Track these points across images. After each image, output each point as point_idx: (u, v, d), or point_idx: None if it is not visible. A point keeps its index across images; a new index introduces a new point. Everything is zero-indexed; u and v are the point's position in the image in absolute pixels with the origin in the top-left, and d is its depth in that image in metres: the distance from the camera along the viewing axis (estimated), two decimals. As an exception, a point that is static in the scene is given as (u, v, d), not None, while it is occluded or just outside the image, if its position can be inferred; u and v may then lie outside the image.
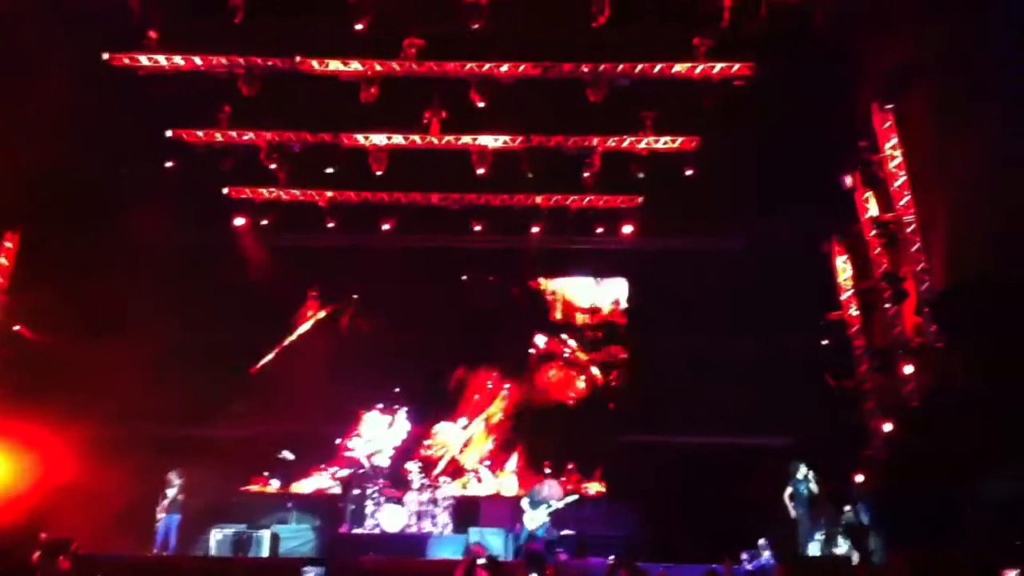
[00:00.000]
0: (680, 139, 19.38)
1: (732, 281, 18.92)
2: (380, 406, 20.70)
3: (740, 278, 18.82)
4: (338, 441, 20.39)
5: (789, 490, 13.25)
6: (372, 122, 19.58)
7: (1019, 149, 14.07)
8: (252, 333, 20.68)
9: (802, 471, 13.29)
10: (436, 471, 20.45)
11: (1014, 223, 13.95)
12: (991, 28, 14.62)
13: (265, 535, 16.72)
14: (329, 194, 20.72)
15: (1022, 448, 12.53)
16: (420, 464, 19.52)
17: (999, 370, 13.43)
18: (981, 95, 14.57)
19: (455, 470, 20.82)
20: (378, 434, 20.48)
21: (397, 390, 20.85)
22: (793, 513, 13.14)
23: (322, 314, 22.12)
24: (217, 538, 16.77)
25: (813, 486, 13.12)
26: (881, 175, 16.79)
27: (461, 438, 21.22)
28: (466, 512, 18.68)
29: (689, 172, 19.02)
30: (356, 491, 18.94)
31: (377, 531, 18.23)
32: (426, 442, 21.05)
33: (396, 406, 20.73)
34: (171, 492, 17.11)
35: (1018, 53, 14.21)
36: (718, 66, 18.21)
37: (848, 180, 17.55)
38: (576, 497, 17.73)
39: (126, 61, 18.07)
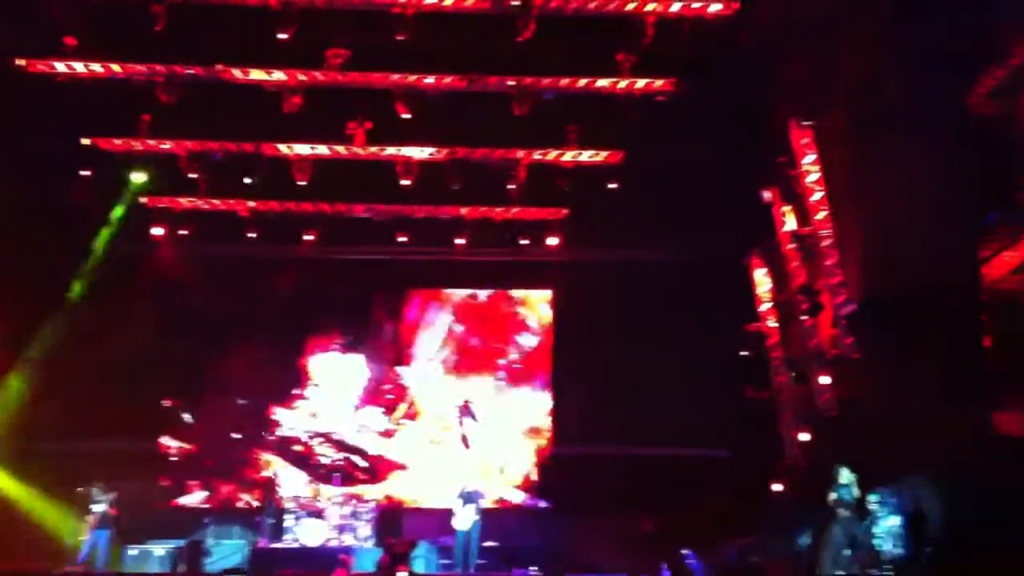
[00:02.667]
0: (605, 153, 19.56)
1: (655, 293, 19.16)
2: (336, 348, 20.75)
3: (663, 290, 19.07)
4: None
5: (833, 496, 13.37)
6: (295, 132, 19.42)
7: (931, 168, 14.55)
8: (171, 342, 20.26)
9: (845, 475, 13.38)
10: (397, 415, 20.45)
11: (925, 239, 14.39)
12: (904, 51, 15.07)
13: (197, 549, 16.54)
14: (251, 204, 20.46)
15: (923, 460, 12.91)
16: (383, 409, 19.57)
17: (907, 384, 13.83)
18: (893, 116, 14.98)
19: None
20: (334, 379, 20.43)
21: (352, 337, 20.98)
22: (842, 515, 13.27)
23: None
24: (157, 553, 16.57)
25: (856, 491, 13.23)
26: (799, 190, 17.12)
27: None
28: (389, 524, 18.59)
29: (613, 186, 19.21)
30: (274, 504, 18.77)
31: (296, 545, 18.02)
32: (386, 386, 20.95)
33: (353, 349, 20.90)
34: (98, 508, 16.78)
35: (930, 77, 14.67)
36: (641, 82, 18.46)
37: (767, 195, 17.89)
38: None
39: (42, 68, 17.70)
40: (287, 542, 18.10)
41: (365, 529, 18.18)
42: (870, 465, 13.30)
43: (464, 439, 20.50)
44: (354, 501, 18.52)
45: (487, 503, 17.34)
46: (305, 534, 18.13)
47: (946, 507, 12.50)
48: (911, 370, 13.88)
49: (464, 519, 16.82)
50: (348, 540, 17.96)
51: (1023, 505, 11.63)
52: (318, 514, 18.30)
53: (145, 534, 17.49)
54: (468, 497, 16.92)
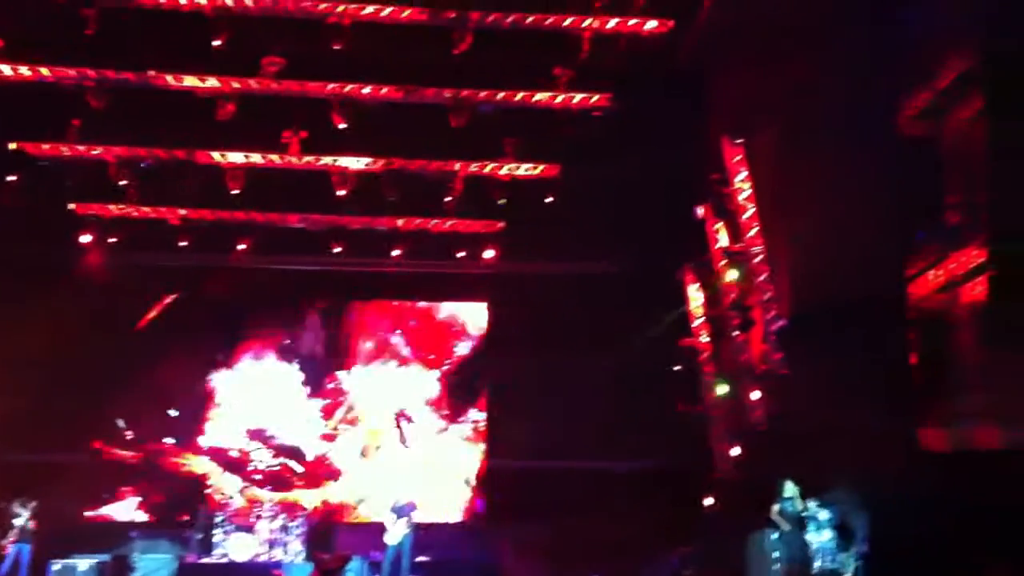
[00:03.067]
0: (541, 166, 19.63)
1: (590, 307, 19.24)
2: (273, 354, 20.69)
3: (597, 304, 19.16)
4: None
5: (777, 507, 13.47)
6: (229, 140, 19.19)
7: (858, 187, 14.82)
8: (100, 352, 19.84)
9: (789, 488, 13.49)
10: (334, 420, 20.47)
11: (852, 256, 14.67)
12: (833, 71, 15.35)
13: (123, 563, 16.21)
14: (182, 212, 20.12)
15: (850, 476, 13.15)
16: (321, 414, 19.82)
17: (834, 399, 14.07)
18: (821, 134, 15.25)
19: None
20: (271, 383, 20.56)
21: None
22: (786, 528, 13.36)
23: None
24: (81, 568, 16.20)
25: (799, 504, 13.34)
26: (731, 207, 17.36)
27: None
28: (321, 539, 18.39)
29: (549, 199, 19.28)
30: (204, 518, 18.47)
31: (225, 560, 17.74)
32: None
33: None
34: (18, 521, 16.36)
35: (858, 97, 14.96)
36: (578, 96, 18.60)
37: (700, 211, 18.10)
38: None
39: (-34, 70, 17.32)
40: (216, 557, 17.80)
41: (296, 544, 17.96)
42: (800, 480, 13.49)
43: (402, 438, 20.51)
44: (284, 515, 18.24)
45: (420, 516, 17.17)
46: (235, 549, 17.87)
47: (873, 522, 12.73)
48: (838, 386, 14.13)
49: (395, 533, 16.65)
50: (279, 555, 17.73)
51: (948, 520, 11.86)
52: (248, 528, 18.03)
53: (69, 548, 17.08)
54: (400, 511, 16.76)
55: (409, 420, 20.77)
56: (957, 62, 14.92)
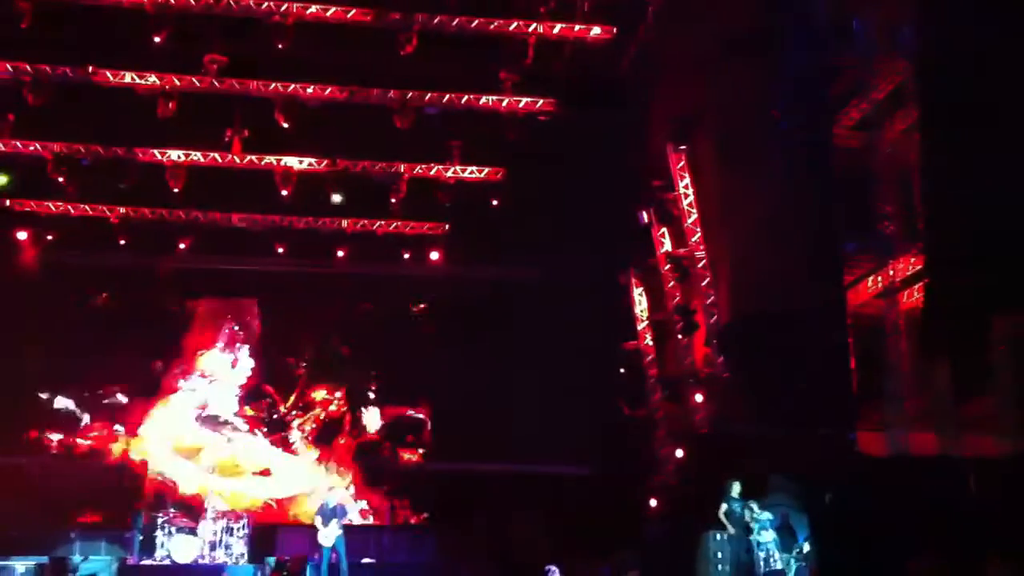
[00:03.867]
0: (486, 169, 19.73)
1: (535, 309, 19.31)
2: (220, 345, 20.56)
3: (543, 306, 19.23)
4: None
5: (724, 507, 13.65)
6: (170, 138, 18.94)
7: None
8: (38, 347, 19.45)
9: (736, 489, 13.68)
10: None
11: (790, 264, 15.03)
12: (769, 83, 15.69)
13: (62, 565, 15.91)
14: (122, 210, 19.78)
15: (789, 479, 13.49)
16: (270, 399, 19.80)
17: (773, 403, 14.43)
18: (759, 143, 15.58)
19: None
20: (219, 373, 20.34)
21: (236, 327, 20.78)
22: (731, 531, 13.54)
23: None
24: (19, 570, 15.85)
25: (748, 508, 13.54)
26: (675, 212, 17.65)
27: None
28: (263, 541, 18.25)
29: (495, 202, 19.39)
30: (146, 520, 18.22)
31: (167, 562, 17.52)
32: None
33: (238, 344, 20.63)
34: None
35: (790, 106, 15.31)
36: (523, 100, 18.74)
37: (644, 216, 18.35)
38: (364, 503, 17.49)
39: None
40: (158, 559, 17.56)
41: (239, 546, 17.79)
42: (743, 482, 13.79)
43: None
44: (227, 519, 18.06)
45: (351, 514, 17.14)
46: (177, 550, 17.60)
47: (813, 523, 13.07)
48: (777, 390, 14.48)
49: (328, 535, 16.62)
50: (220, 557, 17.56)
51: (885, 522, 12.21)
52: (191, 530, 17.82)
53: (6, 549, 16.71)
54: (330, 513, 16.75)
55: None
56: (891, 76, 15.44)
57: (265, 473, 20.26)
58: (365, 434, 20.97)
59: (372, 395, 21.06)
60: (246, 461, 20.23)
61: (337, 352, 21.35)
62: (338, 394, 21.15)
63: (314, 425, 20.85)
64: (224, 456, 20.17)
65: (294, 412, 20.72)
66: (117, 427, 20.24)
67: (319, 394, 21.18)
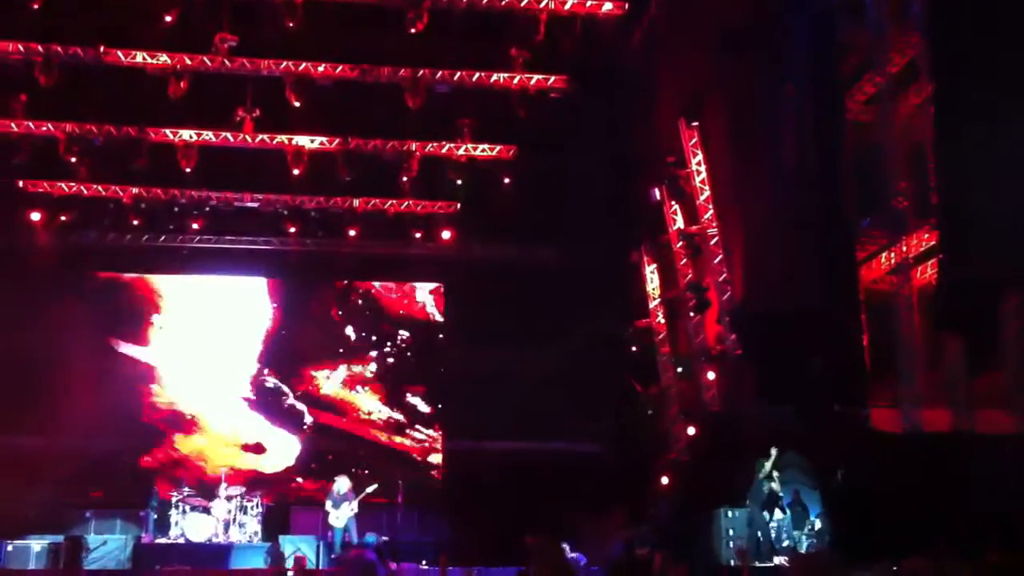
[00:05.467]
0: (498, 148, 19.67)
1: (547, 288, 19.29)
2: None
3: (555, 285, 19.22)
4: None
5: (751, 487, 13.66)
6: (181, 118, 18.94)
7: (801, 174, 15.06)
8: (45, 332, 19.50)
9: (766, 468, 13.67)
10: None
11: (802, 240, 14.93)
12: (780, 56, 15.56)
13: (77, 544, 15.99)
14: (134, 190, 19.81)
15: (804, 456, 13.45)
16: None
17: (786, 381, 14.36)
18: (770, 118, 15.47)
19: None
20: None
21: None
22: (755, 506, 13.54)
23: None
24: (35, 549, 16.01)
25: (775, 485, 13.53)
26: (688, 189, 17.53)
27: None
28: (276, 520, 18.37)
29: (507, 181, 19.33)
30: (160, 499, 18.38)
31: (182, 540, 17.64)
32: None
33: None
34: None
35: (807, 84, 15.18)
36: (535, 78, 18.65)
37: (656, 193, 18.24)
38: (375, 486, 17.50)
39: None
40: (172, 537, 17.69)
41: (253, 524, 17.90)
42: (755, 461, 13.77)
43: None
44: (239, 497, 18.13)
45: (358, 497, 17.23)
46: (191, 529, 17.73)
47: (825, 500, 13.04)
48: (790, 367, 14.40)
49: (339, 516, 16.86)
50: (235, 535, 17.67)
51: (897, 500, 12.17)
52: (204, 509, 17.93)
53: (22, 529, 16.85)
54: (340, 499, 16.94)
55: None
56: (905, 49, 15.27)
57: (258, 448, 20.37)
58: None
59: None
60: (240, 435, 20.45)
61: None
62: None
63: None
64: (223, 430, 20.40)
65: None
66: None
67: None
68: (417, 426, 20.83)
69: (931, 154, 14.59)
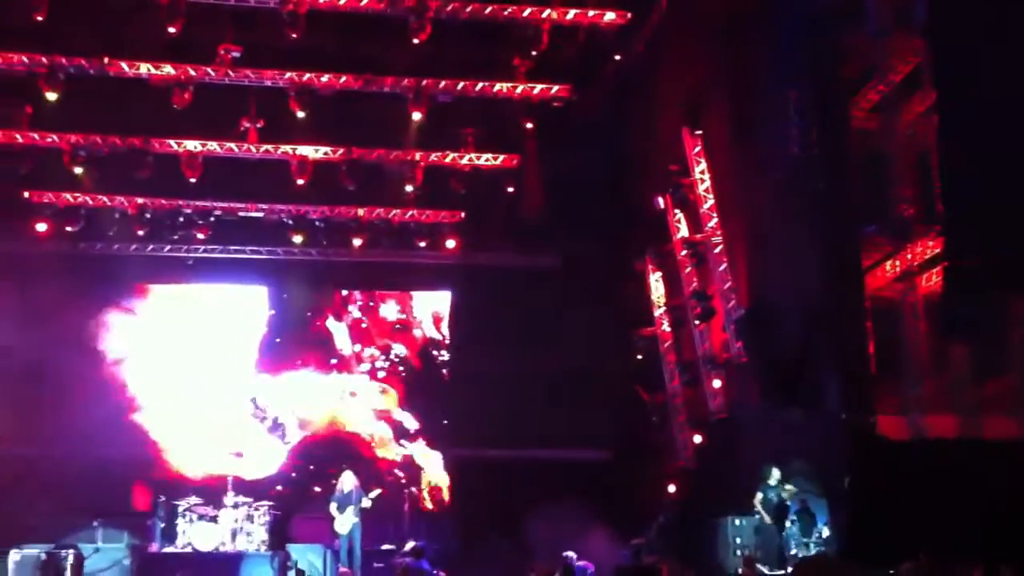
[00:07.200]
0: (502, 157, 19.72)
1: (552, 296, 19.33)
2: None
3: (558, 294, 19.26)
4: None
5: (760, 496, 13.64)
6: (186, 128, 19.00)
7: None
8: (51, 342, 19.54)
9: (775, 476, 13.67)
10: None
11: (807, 248, 14.99)
12: (782, 66, 15.64)
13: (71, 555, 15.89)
14: (139, 200, 19.83)
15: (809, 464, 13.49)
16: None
17: (792, 388, 14.42)
18: (774, 128, 15.53)
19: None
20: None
21: None
22: (767, 519, 13.54)
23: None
24: (15, 559, 15.86)
25: (785, 492, 13.54)
26: (691, 197, 17.58)
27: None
28: (283, 528, 18.34)
29: (511, 189, 19.38)
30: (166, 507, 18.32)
31: (189, 549, 17.60)
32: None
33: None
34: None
35: (811, 92, 15.23)
36: (538, 87, 18.71)
37: (660, 201, 18.27)
38: (380, 491, 17.44)
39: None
40: (179, 546, 17.65)
41: (260, 533, 17.83)
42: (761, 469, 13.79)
43: None
44: (246, 506, 18.11)
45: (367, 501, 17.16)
46: (197, 538, 17.67)
47: (832, 508, 13.06)
48: (795, 375, 14.46)
49: (344, 523, 16.69)
50: (242, 544, 17.63)
51: (905, 506, 12.20)
52: (212, 518, 17.88)
53: (23, 537, 16.81)
54: (345, 499, 16.81)
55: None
56: (908, 56, 15.34)
57: (237, 455, 20.44)
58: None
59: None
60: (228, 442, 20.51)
61: None
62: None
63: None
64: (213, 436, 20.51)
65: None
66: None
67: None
68: (403, 441, 20.87)
69: (935, 162, 14.69)
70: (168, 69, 18.19)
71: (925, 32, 14.62)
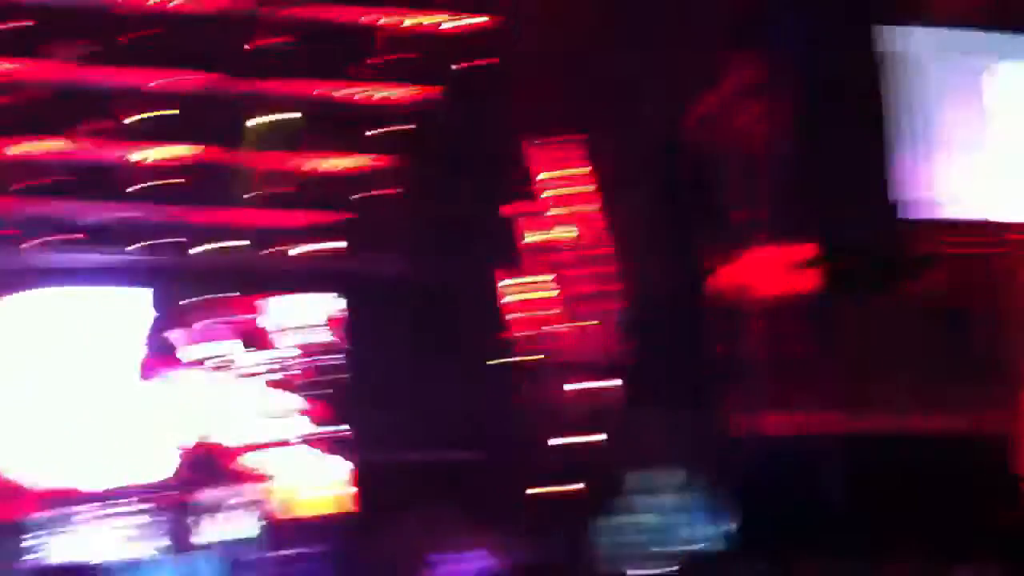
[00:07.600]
0: (353, 159, 19.60)
1: (434, 302, 19.32)
2: None
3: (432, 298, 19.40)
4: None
5: (627, 499, 14.57)
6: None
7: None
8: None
9: (637, 480, 14.70)
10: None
11: (652, 255, 16.10)
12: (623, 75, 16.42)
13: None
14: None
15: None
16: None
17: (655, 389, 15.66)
18: (620, 139, 16.37)
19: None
20: None
21: None
22: (650, 518, 14.65)
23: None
24: None
25: (663, 492, 14.60)
26: (553, 204, 18.28)
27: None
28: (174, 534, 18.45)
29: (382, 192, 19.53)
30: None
31: (82, 561, 17.50)
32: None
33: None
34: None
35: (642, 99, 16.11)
36: (391, 92, 18.93)
37: (514, 209, 18.62)
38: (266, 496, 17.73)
39: None
40: (69, 559, 17.50)
41: (157, 537, 17.83)
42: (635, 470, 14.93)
43: None
44: (139, 508, 18.08)
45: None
46: (88, 547, 17.53)
47: (698, 503, 14.31)
48: (657, 377, 15.64)
49: (229, 530, 17.20)
50: (138, 550, 17.58)
51: (754, 500, 13.55)
52: (104, 524, 17.68)
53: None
54: (229, 507, 17.36)
55: None
56: (741, 69, 16.32)
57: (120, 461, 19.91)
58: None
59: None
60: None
61: None
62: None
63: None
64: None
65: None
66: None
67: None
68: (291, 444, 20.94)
69: (766, 169, 15.85)
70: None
71: (762, 41, 15.63)
